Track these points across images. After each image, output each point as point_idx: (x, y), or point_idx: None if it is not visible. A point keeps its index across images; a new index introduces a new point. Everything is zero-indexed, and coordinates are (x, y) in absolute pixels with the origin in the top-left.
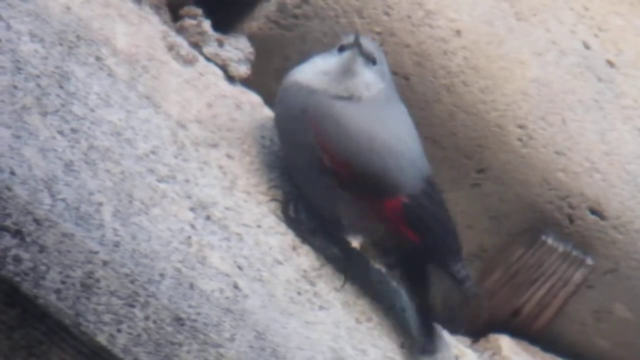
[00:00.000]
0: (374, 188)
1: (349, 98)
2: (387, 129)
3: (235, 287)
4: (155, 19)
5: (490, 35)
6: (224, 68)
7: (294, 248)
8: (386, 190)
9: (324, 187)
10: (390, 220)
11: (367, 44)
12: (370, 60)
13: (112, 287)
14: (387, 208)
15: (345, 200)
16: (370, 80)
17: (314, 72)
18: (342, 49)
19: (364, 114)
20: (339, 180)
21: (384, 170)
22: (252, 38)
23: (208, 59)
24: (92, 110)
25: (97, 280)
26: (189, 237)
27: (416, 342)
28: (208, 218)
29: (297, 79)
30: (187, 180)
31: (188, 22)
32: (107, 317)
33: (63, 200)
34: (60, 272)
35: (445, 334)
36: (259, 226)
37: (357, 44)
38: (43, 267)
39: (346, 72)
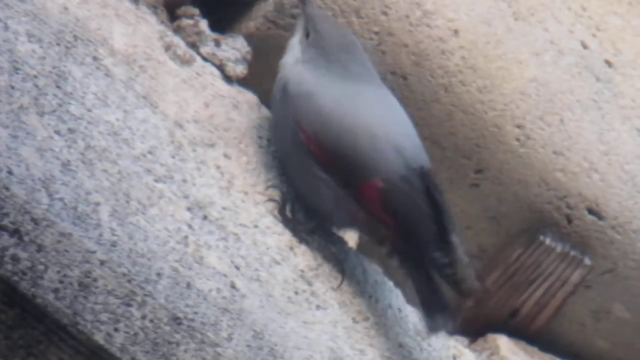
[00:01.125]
0: (347, 169)
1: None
2: (363, 110)
3: (233, 286)
4: (152, 19)
5: (488, 35)
6: (221, 68)
7: (291, 248)
8: (360, 172)
9: (306, 170)
10: (368, 204)
11: (313, 14)
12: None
13: (110, 286)
14: (363, 191)
15: (326, 185)
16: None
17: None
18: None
19: (340, 92)
20: (316, 159)
21: (355, 149)
22: (249, 38)
23: (205, 58)
24: (90, 110)
25: (95, 280)
26: (186, 237)
27: (426, 323)
28: (205, 218)
29: (282, 61)
30: (184, 180)
31: (185, 22)
32: (104, 317)
33: (60, 199)
34: (58, 272)
35: (443, 334)
36: (256, 226)
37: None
38: (41, 267)
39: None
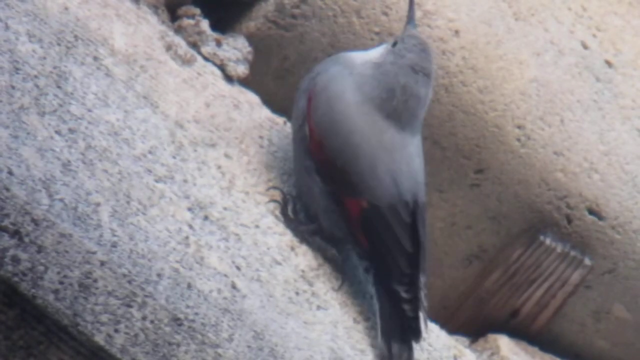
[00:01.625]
0: (338, 178)
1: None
2: (380, 135)
3: (234, 287)
4: (153, 19)
5: (489, 36)
6: (222, 68)
7: (292, 248)
8: (350, 186)
9: (305, 166)
10: (349, 219)
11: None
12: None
13: (110, 287)
14: (346, 204)
15: (318, 186)
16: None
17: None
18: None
19: (366, 111)
20: (313, 156)
21: (353, 165)
22: (250, 38)
23: (206, 58)
24: (90, 110)
25: (95, 281)
26: (187, 238)
27: (379, 350)
28: (206, 218)
29: (351, 53)
30: (185, 180)
31: (186, 21)
32: (104, 317)
33: (61, 200)
34: (58, 272)
35: (444, 334)
36: (257, 226)
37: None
38: (41, 267)
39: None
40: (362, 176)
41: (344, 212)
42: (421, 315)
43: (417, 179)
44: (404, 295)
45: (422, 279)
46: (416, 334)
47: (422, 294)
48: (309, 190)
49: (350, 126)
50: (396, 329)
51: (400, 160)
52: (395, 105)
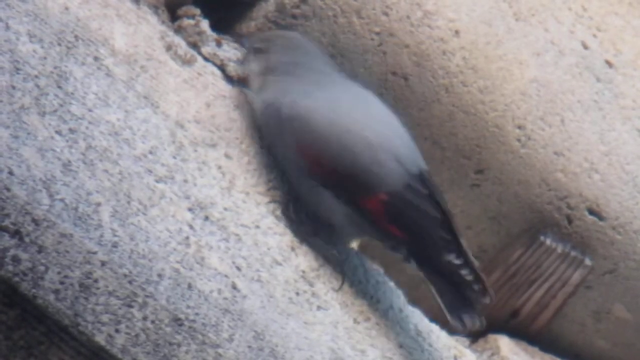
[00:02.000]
0: (350, 185)
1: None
2: (354, 118)
3: (234, 287)
4: (153, 19)
5: (489, 36)
6: (222, 68)
7: (293, 248)
8: (363, 187)
9: (308, 187)
10: (374, 218)
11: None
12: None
13: (111, 287)
14: (368, 206)
15: (329, 199)
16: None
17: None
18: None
19: (331, 106)
20: (317, 177)
21: (356, 165)
22: None
23: (206, 58)
24: (91, 110)
25: (96, 281)
26: (187, 238)
27: (454, 325)
28: (206, 218)
29: (250, 97)
30: (185, 181)
31: (186, 22)
32: (105, 318)
33: (61, 200)
34: (58, 273)
35: (444, 335)
36: (257, 226)
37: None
38: (42, 268)
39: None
40: (369, 167)
41: (365, 214)
42: (481, 274)
43: (409, 145)
44: (456, 262)
45: (463, 242)
46: (484, 294)
47: (470, 254)
48: (324, 206)
49: (326, 131)
50: (459, 299)
51: (376, 120)
52: (308, 67)
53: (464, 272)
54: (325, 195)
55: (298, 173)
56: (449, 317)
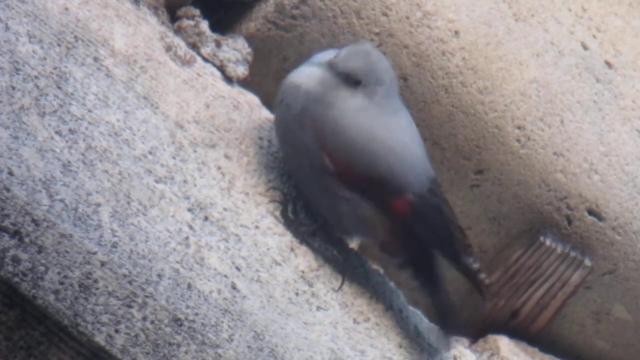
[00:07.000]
0: (379, 188)
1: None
2: (387, 131)
3: (234, 287)
4: (153, 20)
5: (489, 36)
6: (221, 69)
7: (292, 249)
8: (393, 189)
9: (325, 189)
10: (398, 219)
11: (350, 62)
12: (350, 82)
13: (110, 287)
14: (395, 207)
15: (348, 201)
16: (346, 101)
17: (310, 75)
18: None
19: (364, 115)
20: (343, 180)
21: (388, 170)
22: (250, 39)
23: (206, 59)
24: (90, 111)
25: (95, 281)
26: (187, 238)
27: (438, 336)
28: (206, 219)
29: (296, 80)
30: (185, 181)
31: (186, 22)
32: (105, 318)
33: (61, 200)
34: (58, 273)
35: (444, 334)
36: (257, 227)
37: (332, 66)
38: (41, 268)
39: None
40: (399, 171)
41: (392, 214)
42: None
43: (424, 151)
44: (475, 266)
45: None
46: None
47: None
48: (332, 209)
49: (361, 134)
50: (448, 311)
51: (404, 132)
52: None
53: (481, 276)
54: (339, 195)
55: (313, 174)
56: (440, 330)
